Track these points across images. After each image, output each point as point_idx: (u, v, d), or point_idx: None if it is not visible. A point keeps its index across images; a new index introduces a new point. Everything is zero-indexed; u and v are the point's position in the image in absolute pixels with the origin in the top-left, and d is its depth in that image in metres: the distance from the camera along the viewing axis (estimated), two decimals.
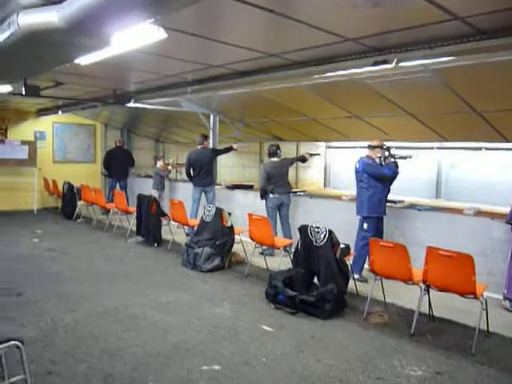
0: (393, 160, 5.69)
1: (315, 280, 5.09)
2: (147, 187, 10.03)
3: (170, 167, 9.87)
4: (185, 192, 9.20)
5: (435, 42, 3.91)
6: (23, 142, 11.16)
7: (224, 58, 5.15)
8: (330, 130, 8.53)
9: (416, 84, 5.34)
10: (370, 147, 5.82)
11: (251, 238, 6.02)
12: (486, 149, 13.26)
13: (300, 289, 4.81)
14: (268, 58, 4.90)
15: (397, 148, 6.47)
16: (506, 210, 5.37)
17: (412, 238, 5.85)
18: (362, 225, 5.71)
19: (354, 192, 7.30)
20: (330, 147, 18.36)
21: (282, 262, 5.71)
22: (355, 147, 14.55)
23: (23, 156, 11.14)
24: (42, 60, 4.15)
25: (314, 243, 4.91)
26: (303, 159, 7.62)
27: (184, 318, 4.52)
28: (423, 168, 16.05)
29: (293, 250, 6.25)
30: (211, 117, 8.98)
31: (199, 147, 8.25)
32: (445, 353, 3.80)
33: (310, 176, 18.24)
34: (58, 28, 2.92)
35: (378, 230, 5.79)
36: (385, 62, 4.28)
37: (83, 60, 4.49)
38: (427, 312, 4.47)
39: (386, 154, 5.71)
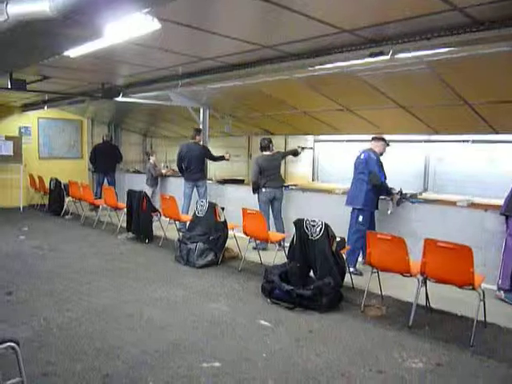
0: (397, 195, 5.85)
1: (311, 274, 5.06)
2: (136, 183, 9.91)
3: (164, 171, 9.73)
4: (176, 187, 9.11)
5: (432, 32, 3.88)
6: (7, 138, 10.92)
7: (217, 51, 5.07)
8: (321, 123, 8.50)
9: (409, 77, 5.33)
10: (375, 139, 5.82)
11: (245, 233, 5.96)
12: (473, 141, 13.36)
13: (296, 283, 4.78)
14: (261, 50, 4.83)
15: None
16: (497, 202, 5.41)
17: (406, 231, 5.86)
18: (357, 217, 5.70)
19: (345, 185, 7.31)
20: (317, 141, 18.34)
21: (276, 257, 5.67)
22: (342, 141, 14.59)
23: (8, 152, 10.89)
24: (32, 52, 4.03)
25: (310, 237, 4.88)
26: (295, 153, 7.59)
27: (180, 314, 4.46)
28: (411, 161, 16.16)
29: (287, 244, 6.24)
30: (201, 111, 8.88)
31: (191, 141, 8.14)
32: (444, 344, 3.80)
33: (298, 170, 18.21)
34: (49, 18, 2.82)
35: (371, 223, 5.80)
36: (381, 53, 4.25)
37: (73, 52, 4.38)
38: (424, 304, 4.47)
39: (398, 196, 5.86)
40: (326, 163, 18.58)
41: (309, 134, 11.70)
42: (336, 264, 4.78)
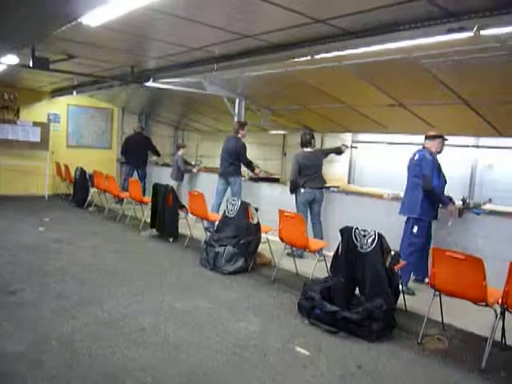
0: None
1: (356, 292, 4.31)
2: (165, 176, 9.34)
3: (195, 170, 9.16)
4: (206, 183, 8.49)
5: None
6: (35, 124, 10.54)
7: (261, 25, 4.33)
8: (368, 120, 7.69)
9: (485, 65, 4.50)
10: (430, 137, 4.97)
11: (281, 239, 5.24)
12: None
13: (340, 302, 4.03)
14: (312, 24, 4.08)
15: None
16: None
17: (467, 247, 5.01)
18: (411, 228, 4.89)
19: (391, 190, 6.48)
20: (356, 141, 17.44)
21: (316, 267, 4.93)
22: (383, 142, 13.65)
23: (35, 138, 10.52)
24: (43, 16, 3.46)
25: (359, 249, 4.12)
26: (339, 151, 6.81)
27: (201, 332, 3.78)
28: (456, 167, 15.04)
29: (325, 252, 5.50)
30: (236, 102, 8.20)
31: (232, 135, 7.45)
32: None
33: (334, 171, 17.35)
34: None
35: (428, 236, 5.00)
36: (461, 29, 3.45)
37: (92, 19, 3.75)
38: (498, 339, 3.64)
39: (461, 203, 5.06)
40: (364, 165, 17.65)
41: (352, 132, 10.88)
42: (389, 283, 4.01)
